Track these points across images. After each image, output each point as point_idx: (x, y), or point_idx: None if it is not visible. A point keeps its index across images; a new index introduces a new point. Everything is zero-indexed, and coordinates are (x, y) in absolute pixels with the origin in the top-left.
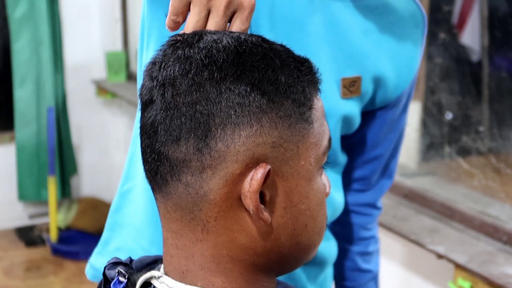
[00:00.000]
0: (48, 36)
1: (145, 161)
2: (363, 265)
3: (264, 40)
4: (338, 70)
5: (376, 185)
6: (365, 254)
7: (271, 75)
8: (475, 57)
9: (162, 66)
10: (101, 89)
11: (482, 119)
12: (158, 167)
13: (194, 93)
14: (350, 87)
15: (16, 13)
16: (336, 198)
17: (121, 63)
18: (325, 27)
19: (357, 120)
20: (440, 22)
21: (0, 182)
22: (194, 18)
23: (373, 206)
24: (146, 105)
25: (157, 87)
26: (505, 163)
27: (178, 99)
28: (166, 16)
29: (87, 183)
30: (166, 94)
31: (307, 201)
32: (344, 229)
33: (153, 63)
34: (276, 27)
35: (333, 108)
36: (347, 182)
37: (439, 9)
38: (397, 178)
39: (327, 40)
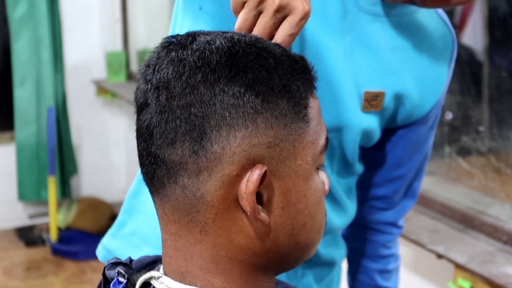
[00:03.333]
0: (48, 36)
1: (142, 164)
2: (382, 282)
3: (258, 39)
4: (362, 83)
5: (399, 204)
6: (385, 272)
7: (265, 75)
8: (476, 57)
9: (156, 69)
10: (101, 89)
11: (482, 119)
12: (155, 170)
13: (188, 95)
14: (372, 101)
15: (16, 13)
16: (350, 206)
17: (121, 63)
18: (354, 39)
19: (376, 135)
20: None
21: (0, 182)
22: (242, 16)
23: (395, 225)
24: (141, 108)
25: (152, 90)
26: (505, 163)
27: (172, 102)
28: (201, 9)
29: (87, 183)
30: (160, 97)
31: (305, 200)
32: (364, 246)
33: (147, 65)
34: (305, 32)
35: (352, 120)
36: (369, 199)
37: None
38: None
39: (355, 51)
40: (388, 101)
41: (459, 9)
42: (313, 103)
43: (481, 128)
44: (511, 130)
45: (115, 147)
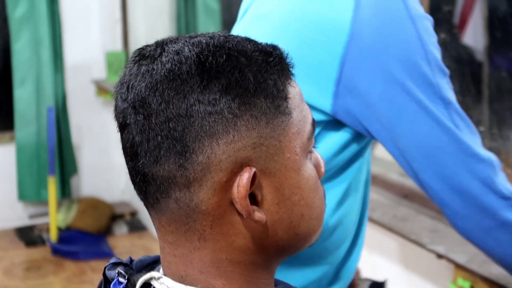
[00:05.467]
0: (48, 36)
1: (133, 182)
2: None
3: (226, 39)
4: None
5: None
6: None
7: (238, 76)
8: (476, 57)
9: (130, 86)
10: (101, 89)
11: (482, 119)
12: (146, 187)
13: (164, 111)
14: None
15: (16, 13)
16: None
17: (121, 63)
18: None
19: None
20: (441, 22)
21: (0, 182)
22: None
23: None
24: (122, 127)
25: (129, 109)
26: (505, 163)
27: (150, 120)
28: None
29: (87, 183)
30: (138, 117)
31: (300, 191)
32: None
33: (121, 83)
34: None
35: None
36: None
37: (440, 9)
38: (397, 178)
39: None
40: None
41: (459, 9)
42: (292, 93)
43: (481, 128)
44: (511, 130)
45: (115, 147)
